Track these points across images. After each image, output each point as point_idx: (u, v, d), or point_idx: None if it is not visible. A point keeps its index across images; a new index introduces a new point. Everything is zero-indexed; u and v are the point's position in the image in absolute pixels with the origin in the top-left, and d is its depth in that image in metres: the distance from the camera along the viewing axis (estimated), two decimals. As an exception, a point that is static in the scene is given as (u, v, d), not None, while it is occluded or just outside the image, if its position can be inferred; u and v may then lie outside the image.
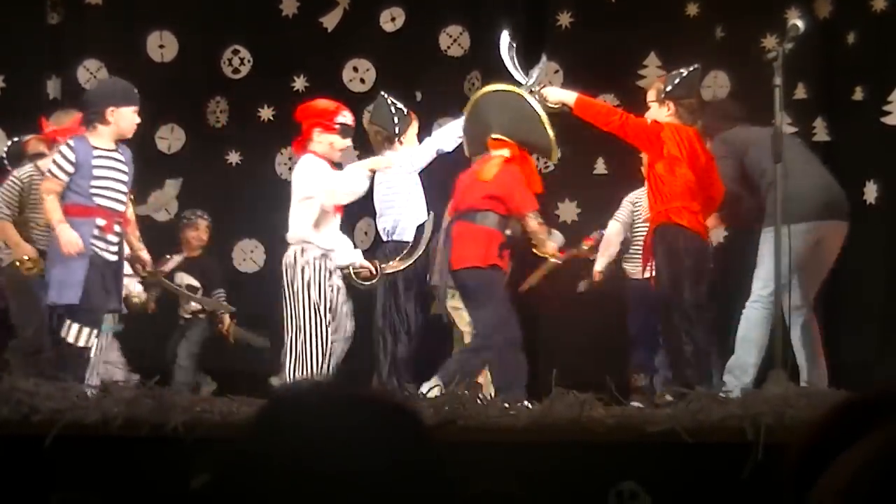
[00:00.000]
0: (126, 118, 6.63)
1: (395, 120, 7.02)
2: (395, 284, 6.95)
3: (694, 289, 6.42)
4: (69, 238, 6.43)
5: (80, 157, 6.57)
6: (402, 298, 6.90)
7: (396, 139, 7.04)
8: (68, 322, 6.47)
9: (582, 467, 4.84)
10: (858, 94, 8.01)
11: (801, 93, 8.05)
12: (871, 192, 7.82)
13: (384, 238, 7.06)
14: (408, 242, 6.98)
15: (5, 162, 7.62)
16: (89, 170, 6.57)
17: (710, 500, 4.76)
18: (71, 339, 6.47)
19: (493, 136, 6.67)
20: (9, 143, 7.78)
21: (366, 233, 8.48)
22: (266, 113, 8.88)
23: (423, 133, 7.34)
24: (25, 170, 7.22)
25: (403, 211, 7.02)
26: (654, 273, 6.59)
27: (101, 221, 6.57)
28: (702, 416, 4.91)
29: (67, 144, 6.63)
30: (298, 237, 6.65)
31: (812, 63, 7.89)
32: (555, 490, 4.64)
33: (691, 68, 6.76)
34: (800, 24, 6.35)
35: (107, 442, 5.12)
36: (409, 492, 1.36)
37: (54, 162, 6.60)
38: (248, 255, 8.83)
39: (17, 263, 7.06)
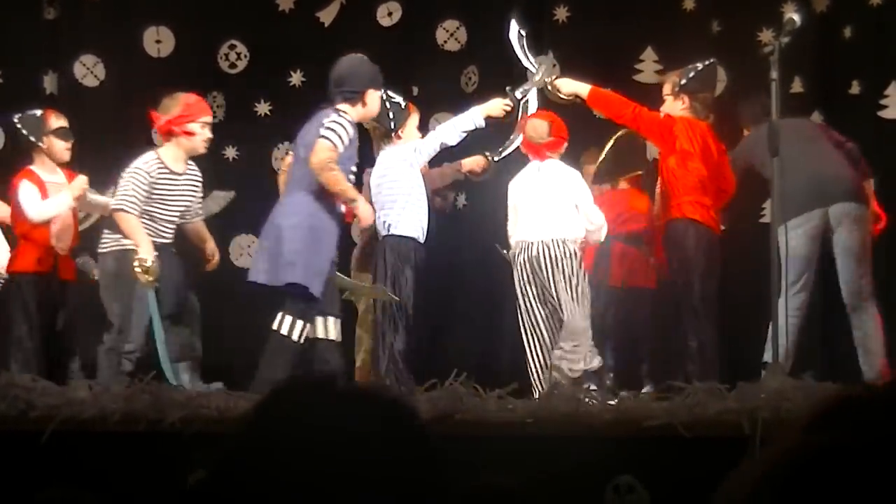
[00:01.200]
0: (376, 102, 6.54)
1: (391, 115, 6.98)
2: (396, 278, 6.91)
3: (704, 283, 6.43)
4: (368, 211, 6.34)
5: (353, 134, 6.36)
6: (403, 292, 6.88)
7: (394, 134, 7.00)
8: (284, 315, 6.34)
9: (579, 461, 4.85)
10: (855, 88, 8.01)
11: (797, 87, 8.05)
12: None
13: (383, 232, 7.01)
14: (409, 238, 6.93)
15: (29, 136, 7.20)
16: (354, 151, 6.40)
17: (707, 494, 4.75)
18: (284, 331, 6.36)
19: (639, 172, 7.26)
20: (18, 115, 7.36)
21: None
22: (263, 108, 8.87)
23: (422, 127, 7.33)
24: (148, 159, 6.72)
25: (406, 206, 7.00)
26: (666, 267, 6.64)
27: (342, 208, 6.43)
28: (699, 410, 4.92)
29: (345, 118, 6.34)
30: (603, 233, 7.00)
31: (808, 57, 7.88)
32: (552, 484, 4.64)
33: (707, 62, 6.76)
34: (796, 18, 6.35)
35: (104, 437, 5.12)
36: (405, 486, 1.36)
37: (336, 133, 6.30)
38: (244, 251, 8.81)
39: (137, 264, 6.45)
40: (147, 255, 6.44)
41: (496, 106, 6.96)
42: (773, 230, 6.13)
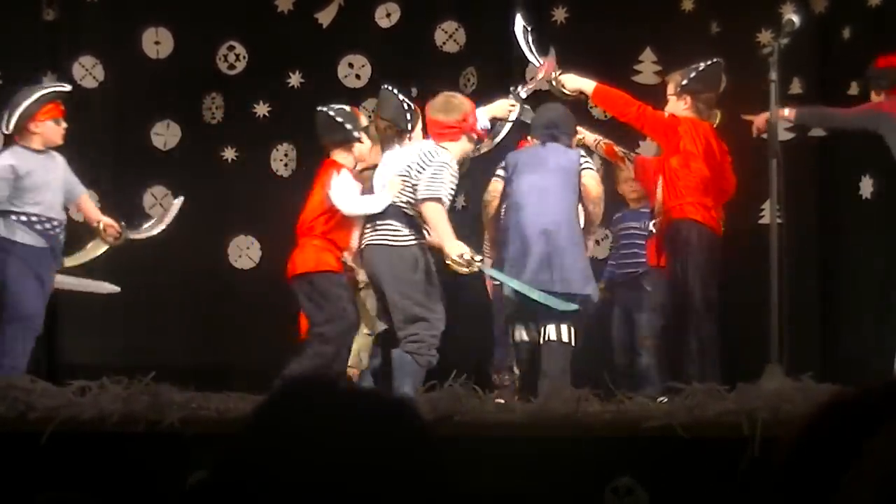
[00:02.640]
0: None
1: (408, 116, 6.88)
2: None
3: (705, 284, 6.42)
4: None
5: None
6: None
7: (408, 134, 6.90)
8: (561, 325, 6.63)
9: (578, 463, 4.85)
10: (854, 89, 8.00)
11: (796, 88, 8.05)
12: (866, 186, 7.82)
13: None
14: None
15: (353, 130, 6.82)
16: None
17: (707, 495, 4.76)
18: (566, 339, 6.62)
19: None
20: (328, 107, 6.89)
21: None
22: (261, 109, 8.87)
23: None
24: (450, 154, 6.64)
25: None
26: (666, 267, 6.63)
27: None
28: (698, 411, 4.92)
29: None
30: None
31: (807, 58, 7.89)
32: (551, 486, 4.64)
33: (709, 63, 6.74)
34: (795, 19, 6.35)
35: (103, 439, 5.12)
36: (406, 488, 1.36)
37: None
38: (243, 252, 8.81)
39: (456, 263, 6.37)
40: (461, 248, 6.44)
41: (501, 107, 6.94)
42: (772, 230, 6.14)
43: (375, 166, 7.12)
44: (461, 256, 6.36)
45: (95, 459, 5.06)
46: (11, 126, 6.84)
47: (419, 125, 6.96)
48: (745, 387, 5.19)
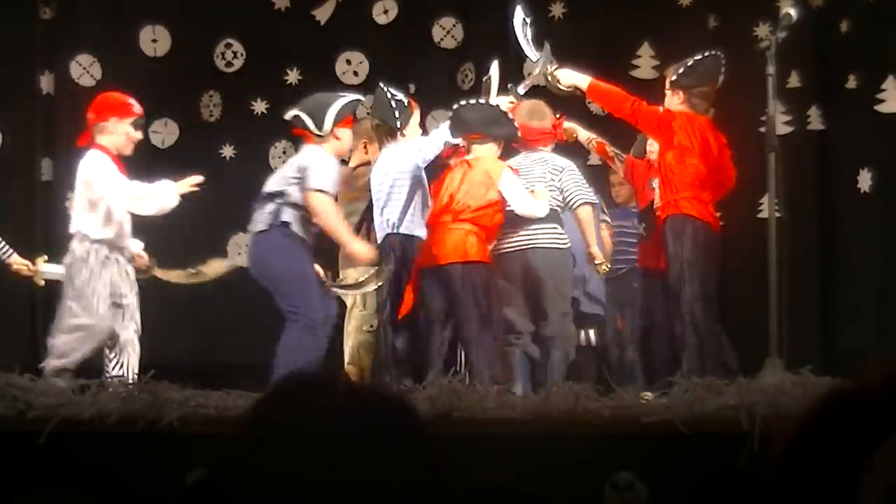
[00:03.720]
0: None
1: (396, 113, 6.89)
2: (398, 275, 6.88)
3: (703, 280, 6.41)
4: None
5: None
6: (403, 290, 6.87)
7: (399, 132, 6.92)
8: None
9: (578, 458, 4.84)
10: (852, 83, 8.01)
11: (794, 81, 8.05)
12: (864, 180, 7.83)
13: (386, 230, 6.94)
14: (414, 236, 6.90)
15: (517, 130, 6.92)
16: None
17: (707, 489, 4.76)
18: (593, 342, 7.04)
19: None
20: (487, 103, 6.88)
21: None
22: (259, 106, 8.87)
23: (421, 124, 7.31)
24: None
25: (410, 204, 6.97)
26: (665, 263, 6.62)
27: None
28: (697, 406, 4.92)
29: None
30: None
31: (805, 51, 7.89)
32: (551, 481, 4.63)
33: (700, 57, 6.71)
34: (793, 12, 6.34)
35: (102, 437, 5.12)
36: (404, 485, 1.36)
37: None
38: (242, 250, 8.81)
39: (601, 264, 6.72)
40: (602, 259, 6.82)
41: (500, 104, 6.93)
42: (770, 224, 6.13)
43: (369, 163, 7.15)
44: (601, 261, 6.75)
45: (94, 458, 5.06)
46: (329, 126, 6.65)
47: (413, 122, 6.97)
48: (744, 381, 5.19)
